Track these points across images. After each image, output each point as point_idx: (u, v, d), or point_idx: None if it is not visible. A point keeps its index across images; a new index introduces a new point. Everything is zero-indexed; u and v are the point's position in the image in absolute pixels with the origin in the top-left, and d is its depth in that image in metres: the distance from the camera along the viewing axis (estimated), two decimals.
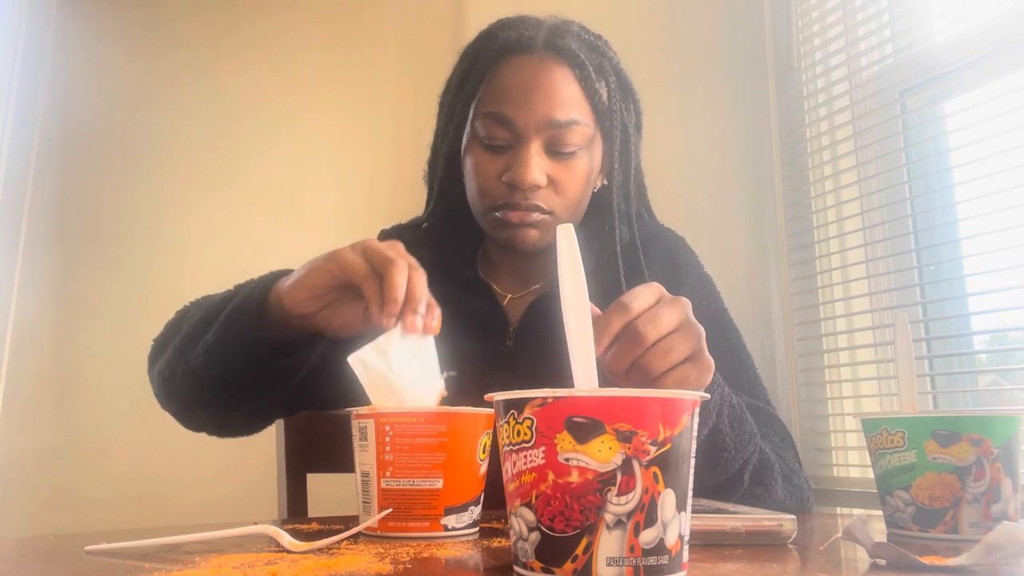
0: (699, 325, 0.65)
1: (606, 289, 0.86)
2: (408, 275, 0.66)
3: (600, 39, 0.96)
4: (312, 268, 0.72)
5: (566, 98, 0.89)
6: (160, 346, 0.89)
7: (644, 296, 0.62)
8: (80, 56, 2.09)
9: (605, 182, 1.00)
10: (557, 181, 0.90)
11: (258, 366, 0.79)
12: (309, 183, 2.28)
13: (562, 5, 1.96)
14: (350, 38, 2.40)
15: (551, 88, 0.88)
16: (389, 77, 2.43)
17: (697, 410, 0.42)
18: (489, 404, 0.45)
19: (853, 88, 1.31)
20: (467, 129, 0.94)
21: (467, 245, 1.03)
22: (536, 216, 0.90)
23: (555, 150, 0.89)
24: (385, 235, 1.06)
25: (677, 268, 0.98)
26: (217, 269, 2.11)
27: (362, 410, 0.61)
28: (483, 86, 0.91)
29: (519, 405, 0.41)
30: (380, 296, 0.66)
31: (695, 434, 0.41)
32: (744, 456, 0.78)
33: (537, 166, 0.87)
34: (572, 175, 0.90)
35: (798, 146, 1.39)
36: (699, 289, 0.99)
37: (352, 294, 0.72)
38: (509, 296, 1.01)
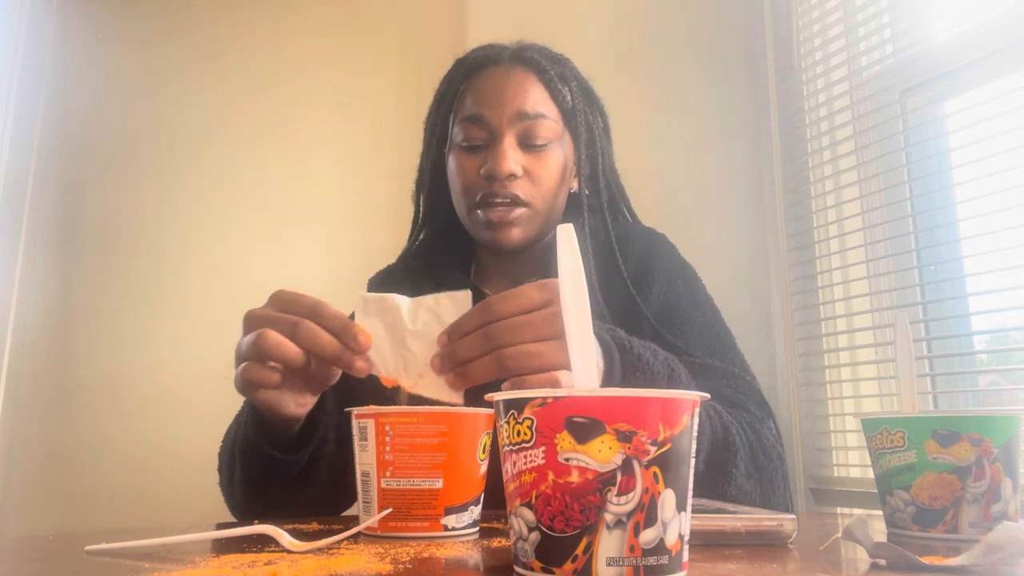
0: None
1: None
2: (310, 327, 0.65)
3: (561, 55, 1.05)
4: (266, 398, 0.71)
5: (533, 96, 0.97)
6: (220, 481, 0.91)
7: (519, 299, 0.64)
8: (81, 56, 2.09)
9: (585, 189, 1.03)
10: (532, 172, 0.96)
11: (289, 467, 0.80)
12: (311, 183, 2.28)
13: (561, 6, 1.95)
14: (352, 36, 2.40)
15: (518, 87, 0.97)
16: (390, 77, 2.43)
17: (698, 410, 0.42)
18: (489, 404, 0.45)
19: (853, 88, 1.31)
20: (448, 142, 1.01)
21: (460, 256, 1.08)
22: (515, 213, 0.95)
23: (528, 143, 0.96)
24: (373, 281, 1.12)
25: (650, 260, 1.02)
26: (218, 268, 2.12)
27: (362, 410, 0.61)
28: (458, 99, 1.00)
29: (519, 405, 0.41)
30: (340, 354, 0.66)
31: (695, 434, 0.41)
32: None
33: (512, 158, 0.94)
34: (545, 167, 0.97)
35: (798, 146, 1.39)
36: (672, 274, 1.02)
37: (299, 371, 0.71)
38: None
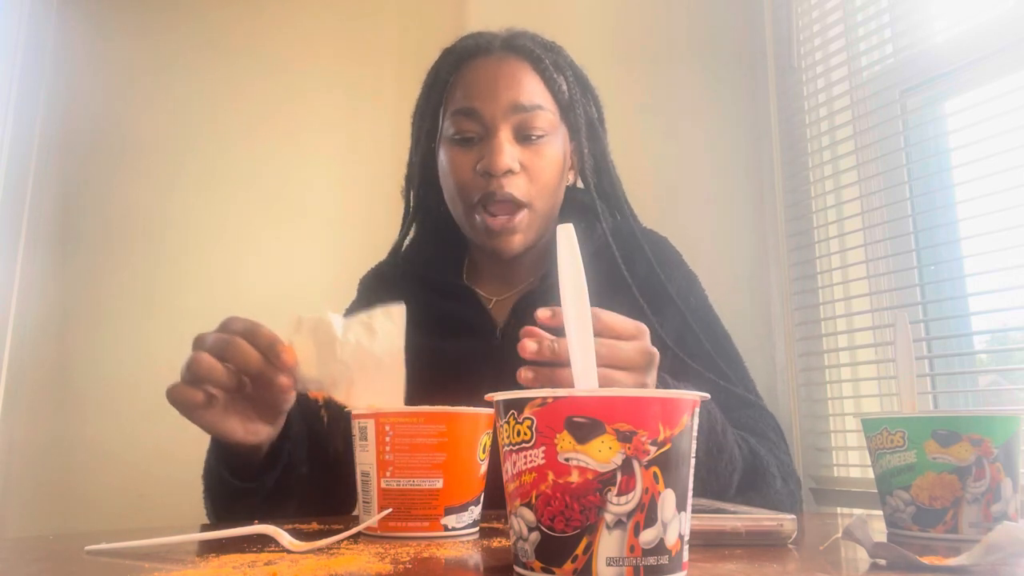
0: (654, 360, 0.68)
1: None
2: (237, 344, 0.67)
3: (553, 43, 1.00)
4: (206, 422, 0.70)
5: (528, 86, 0.93)
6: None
7: (619, 322, 0.66)
8: (81, 56, 2.09)
9: (581, 184, 1.02)
10: (529, 167, 0.92)
11: (249, 494, 0.78)
12: (311, 183, 2.27)
13: (561, 6, 1.95)
14: (352, 35, 2.40)
15: (512, 78, 0.93)
16: (390, 77, 2.43)
17: (697, 410, 0.42)
18: (488, 404, 0.45)
19: (853, 88, 1.31)
20: (438, 136, 0.97)
21: (453, 255, 1.06)
22: (517, 218, 0.92)
23: (524, 135, 0.92)
24: (364, 281, 1.10)
25: (663, 268, 1.00)
26: (218, 268, 2.12)
27: (362, 410, 0.61)
28: (448, 91, 0.96)
29: (519, 405, 0.41)
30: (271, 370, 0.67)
31: (695, 434, 0.41)
32: (721, 475, 0.78)
33: (508, 152, 0.90)
34: (543, 160, 0.93)
35: (798, 146, 1.39)
36: (685, 287, 1.01)
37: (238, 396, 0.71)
38: (495, 299, 1.03)
